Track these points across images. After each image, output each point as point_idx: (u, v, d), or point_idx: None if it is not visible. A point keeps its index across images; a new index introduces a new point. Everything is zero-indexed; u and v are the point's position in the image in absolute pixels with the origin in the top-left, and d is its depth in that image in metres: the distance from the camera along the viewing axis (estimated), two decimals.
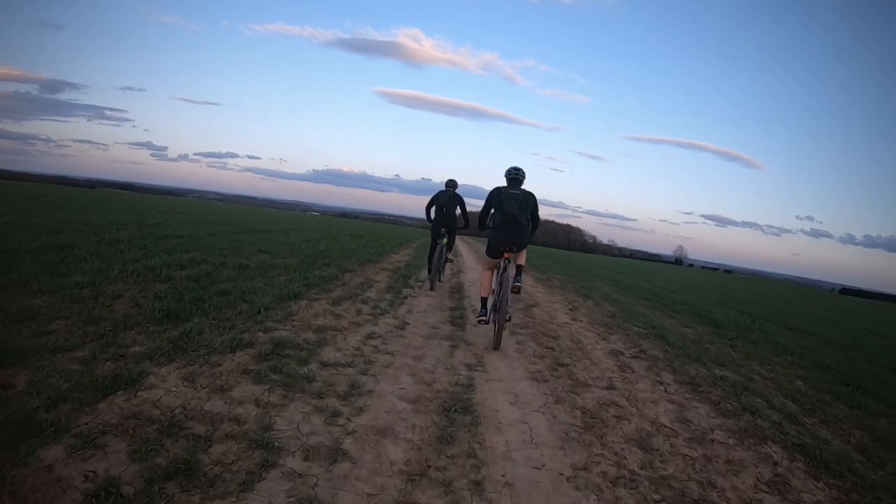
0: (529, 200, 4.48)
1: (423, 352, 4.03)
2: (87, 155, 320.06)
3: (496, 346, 4.32)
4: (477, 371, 3.71)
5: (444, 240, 7.14)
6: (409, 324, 4.93)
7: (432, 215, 7.10)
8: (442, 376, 3.49)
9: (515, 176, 4.56)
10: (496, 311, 4.36)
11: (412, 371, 3.52)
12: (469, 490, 2.11)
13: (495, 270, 4.63)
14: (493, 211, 4.58)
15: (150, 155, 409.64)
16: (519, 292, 4.36)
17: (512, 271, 4.47)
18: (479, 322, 4.58)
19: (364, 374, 3.32)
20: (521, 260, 4.57)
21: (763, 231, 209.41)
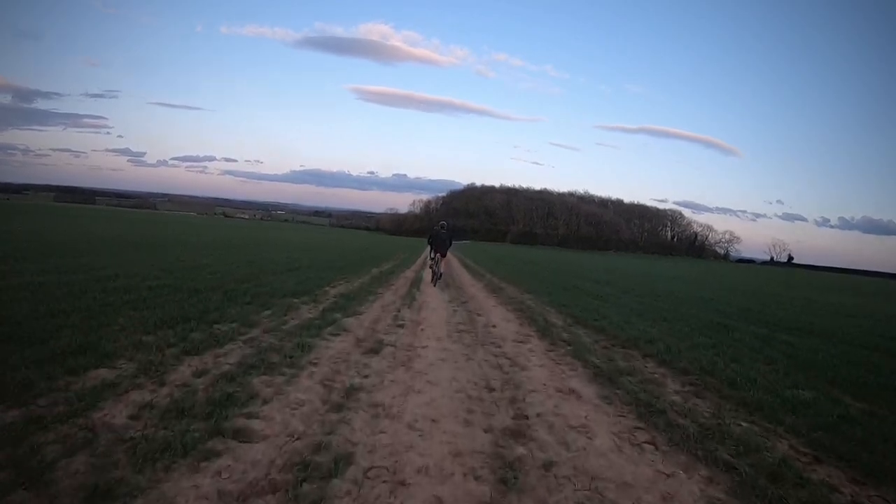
0: (448, 236, 11.69)
1: None
2: (66, 163, 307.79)
3: (434, 284, 11.38)
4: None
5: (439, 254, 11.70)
6: None
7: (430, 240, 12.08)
8: None
9: (443, 227, 11.80)
10: (435, 277, 11.53)
11: None
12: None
13: (431, 262, 11.63)
14: (432, 238, 11.58)
15: (128, 161, 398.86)
16: (442, 271, 11.85)
17: (441, 264, 11.68)
18: (435, 283, 11.43)
19: None
20: (446, 257, 12.16)
21: (738, 216, 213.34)
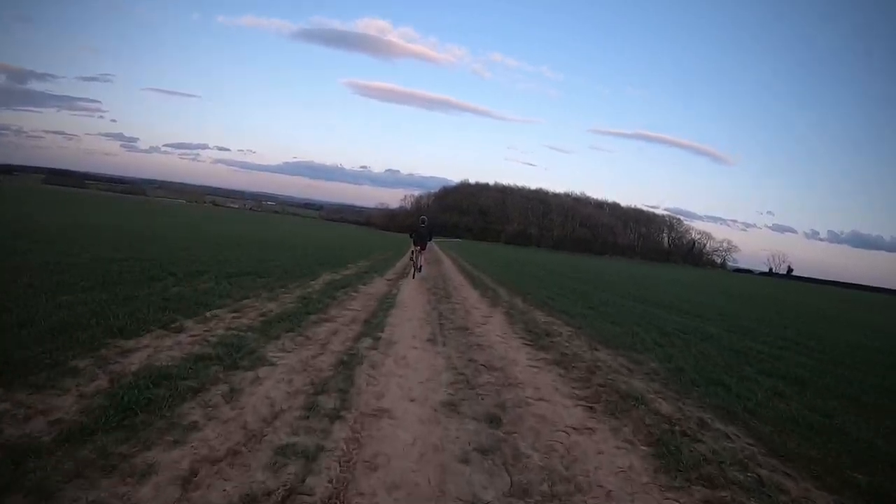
0: (427, 231, 11.85)
1: None
2: (59, 146, 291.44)
3: (413, 276, 11.39)
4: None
5: (419, 247, 11.95)
6: None
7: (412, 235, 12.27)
8: None
9: (423, 222, 12.03)
10: (415, 269, 11.65)
11: None
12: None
13: (412, 255, 11.80)
14: (413, 233, 11.79)
15: (121, 146, 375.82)
16: (423, 264, 12.06)
17: (420, 257, 11.75)
18: (413, 276, 11.44)
19: None
20: (426, 250, 11.91)
21: (728, 225, 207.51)
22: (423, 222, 12.24)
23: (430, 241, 12.48)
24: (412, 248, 11.84)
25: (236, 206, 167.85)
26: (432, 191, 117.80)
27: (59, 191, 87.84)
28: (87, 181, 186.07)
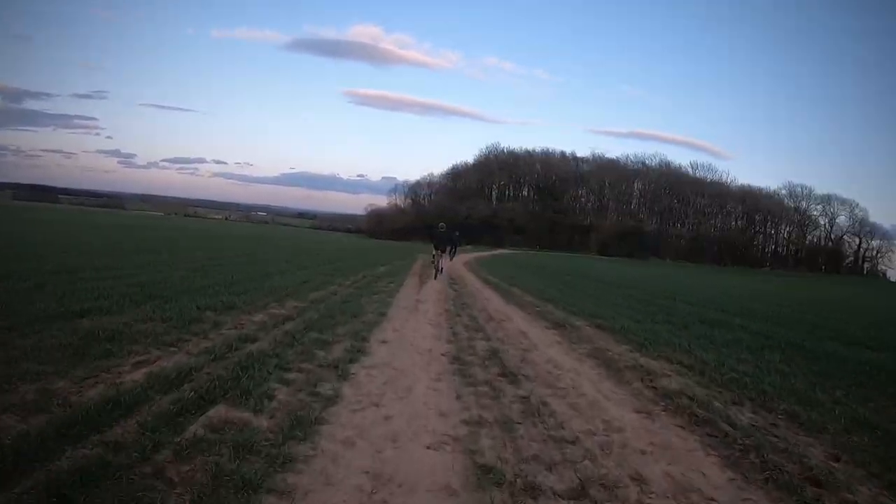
0: (449, 236, 16.50)
1: None
2: (56, 164, 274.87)
3: (435, 278, 14.03)
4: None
5: (439, 251, 14.76)
6: None
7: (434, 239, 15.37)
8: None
9: (441, 227, 15.15)
10: (437, 272, 14.42)
11: None
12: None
13: (434, 258, 14.50)
14: (434, 239, 15.12)
15: (119, 163, 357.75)
16: (443, 265, 15.15)
17: (445, 259, 15.71)
18: (436, 277, 14.10)
19: None
20: (447, 253, 16.51)
21: None
22: (441, 228, 15.06)
23: (457, 246, 17.50)
24: (433, 251, 14.54)
25: (219, 218, 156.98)
26: (434, 175, 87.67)
27: (25, 206, 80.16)
28: (61, 196, 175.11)
